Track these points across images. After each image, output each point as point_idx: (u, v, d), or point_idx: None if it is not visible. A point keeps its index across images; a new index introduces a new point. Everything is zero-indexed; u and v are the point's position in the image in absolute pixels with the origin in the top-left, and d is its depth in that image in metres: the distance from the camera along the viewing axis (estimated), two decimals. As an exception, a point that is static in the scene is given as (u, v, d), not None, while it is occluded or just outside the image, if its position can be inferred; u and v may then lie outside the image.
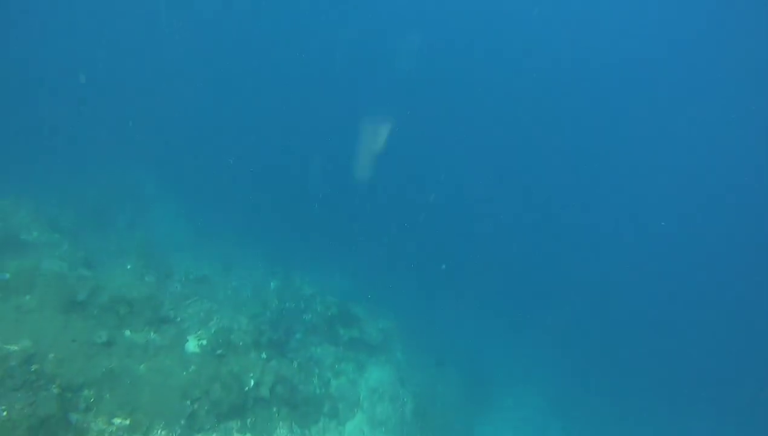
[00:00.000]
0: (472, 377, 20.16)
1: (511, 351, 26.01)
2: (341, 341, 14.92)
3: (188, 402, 10.79)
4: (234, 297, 14.57)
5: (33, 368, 8.91)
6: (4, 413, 7.89)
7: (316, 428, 12.06)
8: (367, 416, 13.24)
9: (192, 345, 12.22)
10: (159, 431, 9.87)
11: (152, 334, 11.80)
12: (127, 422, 9.45)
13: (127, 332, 11.41)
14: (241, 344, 12.76)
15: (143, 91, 32.94)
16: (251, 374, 12.00)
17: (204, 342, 12.37)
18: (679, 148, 46.88)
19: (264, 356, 12.83)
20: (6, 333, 9.43)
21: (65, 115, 25.08)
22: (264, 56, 46.14)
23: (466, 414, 17.92)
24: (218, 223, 21.40)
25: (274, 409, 11.79)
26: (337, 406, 12.87)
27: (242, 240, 20.60)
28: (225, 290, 14.86)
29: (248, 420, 11.34)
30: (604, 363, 27.28)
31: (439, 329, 22.47)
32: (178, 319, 12.59)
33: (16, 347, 9.18)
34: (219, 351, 12.28)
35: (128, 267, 14.00)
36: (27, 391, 8.45)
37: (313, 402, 12.50)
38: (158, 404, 10.33)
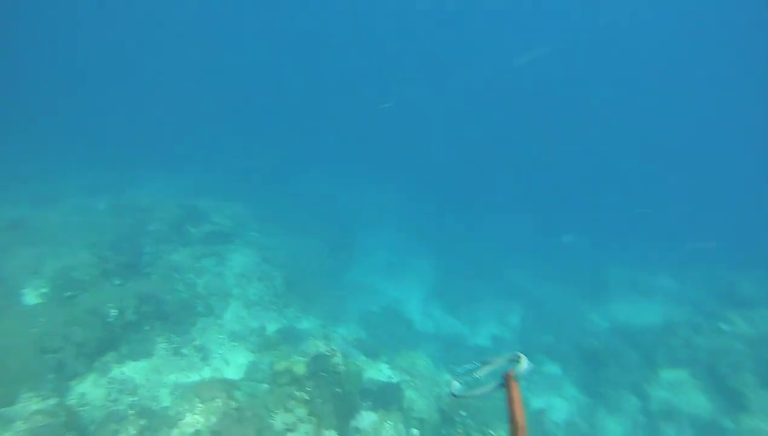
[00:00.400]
0: (335, 234, 21.78)
1: (368, 199, 29.38)
2: (194, 239, 14.59)
3: (49, 355, 10.62)
4: (62, 232, 13.19)
5: None
6: None
7: (196, 329, 12.51)
8: (242, 301, 13.93)
9: (31, 297, 11.44)
10: (28, 396, 9.81)
11: (-25, 303, 10.81)
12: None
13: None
14: (88, 278, 12.13)
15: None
16: (110, 304, 11.71)
17: (45, 290, 11.62)
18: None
19: (117, 281, 12.43)
20: None
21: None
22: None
23: (334, 269, 19.47)
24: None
25: (147, 328, 11.91)
26: (210, 302, 13.27)
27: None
28: (48, 227, 13.30)
29: (123, 349, 11.46)
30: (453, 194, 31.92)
31: (293, 199, 23.79)
32: (2, 276, 11.45)
33: None
34: (67, 293, 11.69)
35: None
36: None
37: (184, 307, 12.75)
38: (15, 369, 10.10)
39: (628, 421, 13.49)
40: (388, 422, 9.06)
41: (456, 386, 2.85)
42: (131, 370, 10.28)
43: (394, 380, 11.75)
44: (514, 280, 22.78)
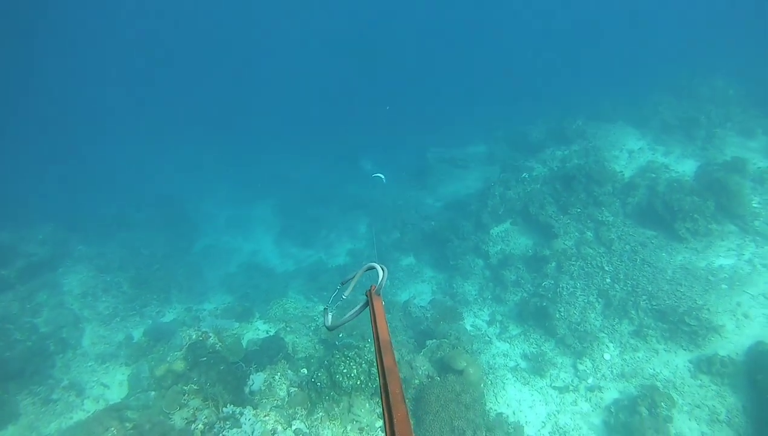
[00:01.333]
0: (170, 212, 21.13)
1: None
2: (10, 281, 13.47)
3: None
4: None
5: None
6: None
7: (58, 369, 12.09)
8: (96, 320, 13.61)
9: None
10: None
11: None
12: None
13: None
14: None
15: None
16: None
17: None
18: None
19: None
20: None
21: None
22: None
23: (180, 246, 19.12)
24: None
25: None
26: (61, 337, 12.79)
27: None
28: None
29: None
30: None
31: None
32: None
33: None
34: None
35: None
36: None
37: (34, 354, 12.17)
38: None
39: (479, 279, 16.15)
40: (277, 374, 10.13)
41: (329, 318, 2.88)
42: (2, 441, 9.95)
43: (272, 332, 12.77)
44: (350, 192, 24.32)
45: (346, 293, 2.99)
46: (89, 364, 12.09)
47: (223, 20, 52.98)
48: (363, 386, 9.49)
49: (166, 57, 52.32)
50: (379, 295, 2.51)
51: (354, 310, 2.63)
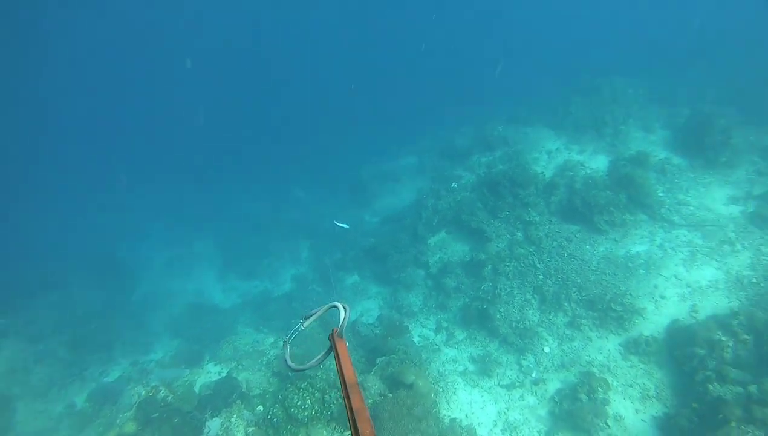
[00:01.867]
0: (101, 263, 20.57)
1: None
2: None
3: None
4: None
5: None
6: None
7: None
8: (29, 396, 13.20)
9: None
10: None
11: None
12: None
13: None
14: None
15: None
16: None
17: None
18: None
19: None
20: None
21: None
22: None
23: (117, 298, 18.68)
24: None
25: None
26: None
27: None
28: None
29: None
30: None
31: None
32: None
33: None
34: None
35: None
36: None
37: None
38: None
39: (422, 289, 16.78)
40: (233, 416, 10.30)
41: (287, 353, 2.93)
42: None
43: (224, 373, 12.83)
44: (288, 218, 24.54)
45: (307, 325, 3.02)
46: (27, 444, 11.74)
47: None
48: (318, 414, 9.84)
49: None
50: (341, 337, 2.57)
51: (318, 356, 2.70)
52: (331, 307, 2.78)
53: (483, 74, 43.23)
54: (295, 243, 21.97)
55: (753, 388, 9.64)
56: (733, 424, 9.26)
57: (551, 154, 18.60)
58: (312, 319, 3.01)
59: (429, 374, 12.82)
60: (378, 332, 14.45)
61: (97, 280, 19.46)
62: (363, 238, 20.18)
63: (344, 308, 2.67)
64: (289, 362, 2.84)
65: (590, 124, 19.15)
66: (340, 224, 16.08)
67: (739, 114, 17.61)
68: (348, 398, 2.02)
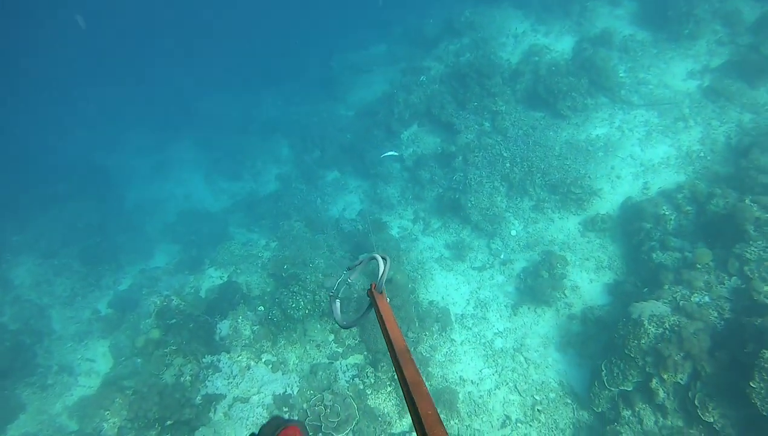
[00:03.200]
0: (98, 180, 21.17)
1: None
2: None
3: None
4: None
5: None
6: None
7: (42, 358, 13.38)
8: (58, 305, 14.90)
9: None
10: None
11: None
12: None
13: None
14: None
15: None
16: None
17: None
18: None
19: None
20: None
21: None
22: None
23: (110, 210, 19.67)
24: None
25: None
26: (32, 327, 14.01)
27: None
28: None
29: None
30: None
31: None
32: None
33: None
34: None
35: None
36: None
37: (13, 351, 13.31)
38: None
39: (399, 182, 18.09)
40: (239, 317, 12.09)
41: (337, 307, 2.89)
42: (19, 430, 11.67)
43: (225, 277, 14.52)
44: (264, 117, 25.03)
45: (353, 277, 2.96)
46: (68, 345, 13.62)
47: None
48: (311, 313, 11.67)
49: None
50: (381, 292, 2.40)
51: (363, 313, 2.60)
52: (371, 259, 2.63)
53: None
54: (275, 142, 22.75)
55: (689, 254, 11.41)
56: (666, 286, 11.08)
57: (518, 39, 18.90)
58: (357, 270, 2.94)
59: (408, 261, 14.63)
60: (360, 227, 16.01)
61: (90, 193, 20.40)
62: (340, 134, 20.99)
63: (384, 259, 2.50)
64: (338, 318, 2.86)
65: (557, 2, 19.20)
66: (389, 153, 16.62)
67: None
68: (400, 368, 1.71)
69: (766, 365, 8.10)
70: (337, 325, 3.56)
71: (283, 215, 17.78)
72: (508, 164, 15.71)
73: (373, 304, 2.40)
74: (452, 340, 12.77)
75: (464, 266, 14.79)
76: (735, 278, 10.54)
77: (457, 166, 16.35)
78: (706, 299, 10.39)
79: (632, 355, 10.04)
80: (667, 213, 12.60)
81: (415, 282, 14.06)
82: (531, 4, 20.03)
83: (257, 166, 22.03)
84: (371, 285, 2.49)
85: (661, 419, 9.61)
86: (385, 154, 16.82)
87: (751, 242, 10.69)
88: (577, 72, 16.15)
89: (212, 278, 14.76)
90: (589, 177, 14.50)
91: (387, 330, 1.99)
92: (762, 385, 8.04)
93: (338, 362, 11.57)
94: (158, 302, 12.49)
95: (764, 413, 7.92)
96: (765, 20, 15.82)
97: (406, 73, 20.43)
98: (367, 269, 3.28)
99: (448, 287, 14.26)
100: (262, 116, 25.03)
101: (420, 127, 18.50)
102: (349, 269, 2.98)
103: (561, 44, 18.05)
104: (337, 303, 2.93)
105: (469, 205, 15.43)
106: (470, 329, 13.05)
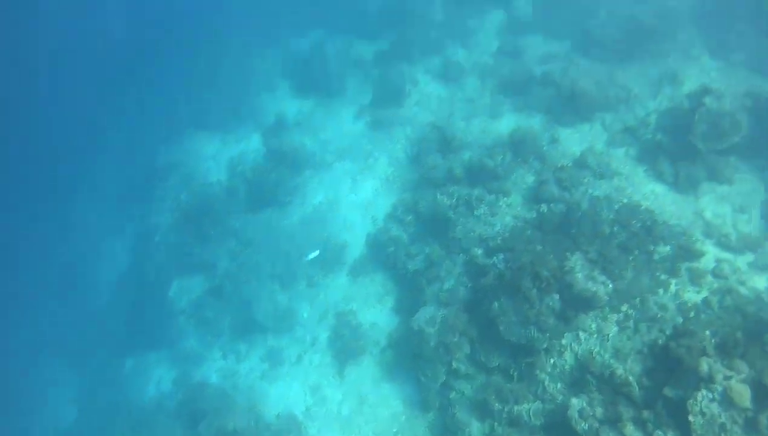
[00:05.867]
0: None
1: None
2: None
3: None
4: None
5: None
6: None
7: None
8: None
9: None
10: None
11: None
12: None
13: None
14: None
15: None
16: None
17: None
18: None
19: None
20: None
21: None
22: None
23: None
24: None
25: None
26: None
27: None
28: None
29: None
30: None
31: None
32: None
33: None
34: None
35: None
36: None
37: None
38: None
39: (192, 331, 18.90)
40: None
41: None
42: None
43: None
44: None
45: None
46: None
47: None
48: None
49: None
50: None
51: None
52: None
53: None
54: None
55: (429, 252, 14.69)
56: (426, 288, 14.15)
57: (217, 159, 21.36)
58: None
59: (240, 393, 15.93)
60: (180, 397, 16.79)
61: None
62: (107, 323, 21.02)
63: None
64: None
65: (229, 110, 22.12)
66: (312, 255, 16.65)
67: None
68: None
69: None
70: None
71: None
72: (269, 266, 17.83)
73: None
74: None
75: (285, 367, 16.29)
76: (461, 255, 13.99)
77: (230, 292, 17.97)
78: (452, 282, 13.71)
79: (429, 356, 12.81)
80: (397, 233, 15.92)
81: (255, 407, 15.34)
82: (209, 121, 22.54)
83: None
84: None
85: (472, 383, 12.41)
86: (309, 257, 17.41)
87: (457, 225, 14.26)
88: (277, 161, 18.99)
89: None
90: (332, 236, 17.36)
91: None
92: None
93: None
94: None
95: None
96: (381, 55, 20.74)
97: (140, 239, 21.40)
98: None
99: (283, 393, 15.60)
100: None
101: (180, 278, 19.68)
102: None
103: (253, 143, 20.91)
104: None
105: (259, 316, 17.05)
106: (318, 417, 14.75)
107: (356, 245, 17.19)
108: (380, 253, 16.16)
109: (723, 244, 11.32)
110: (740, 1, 16.29)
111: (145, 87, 26.25)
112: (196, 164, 21.56)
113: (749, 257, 10.97)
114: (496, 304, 11.37)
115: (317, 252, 16.72)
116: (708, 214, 12.00)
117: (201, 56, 24.98)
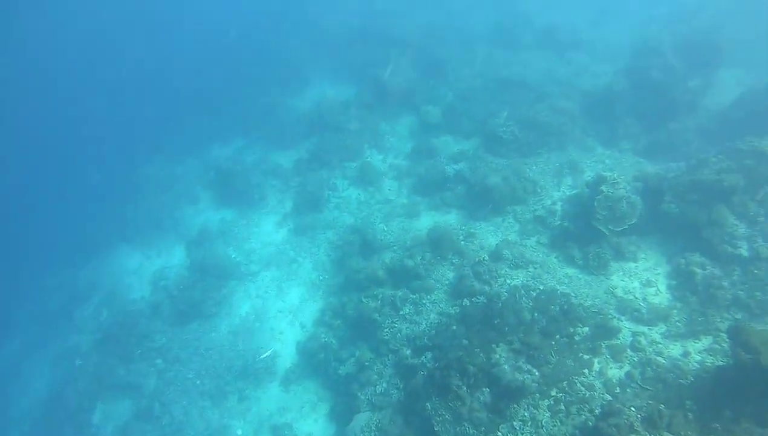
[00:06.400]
0: None
1: None
2: None
3: None
4: None
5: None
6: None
7: None
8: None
9: None
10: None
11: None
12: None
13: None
14: None
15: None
16: None
17: None
18: None
19: None
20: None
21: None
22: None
23: None
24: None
25: None
26: None
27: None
28: None
29: None
30: None
31: None
32: None
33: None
34: None
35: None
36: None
37: None
38: None
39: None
40: None
41: None
42: None
43: None
44: None
45: None
46: None
47: None
48: None
49: None
50: None
51: None
52: None
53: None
54: None
55: (359, 356, 15.09)
56: (359, 393, 14.43)
57: (139, 273, 21.38)
58: None
59: None
60: None
61: None
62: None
63: None
64: None
65: (151, 223, 22.38)
66: (266, 354, 16.31)
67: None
68: None
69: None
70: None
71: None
72: (198, 382, 17.63)
73: None
74: None
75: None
76: (391, 356, 14.52)
77: (160, 413, 17.56)
78: (385, 385, 14.12)
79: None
80: (326, 339, 16.40)
81: None
82: (131, 235, 22.60)
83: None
84: None
85: None
86: (261, 356, 16.73)
87: (384, 327, 14.89)
88: (201, 273, 19.31)
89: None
90: (260, 348, 17.59)
91: None
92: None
93: None
94: None
95: None
96: (300, 164, 21.92)
97: (58, 366, 20.63)
98: None
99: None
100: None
101: (104, 403, 18.98)
102: None
103: (175, 257, 21.12)
104: None
105: (191, 436, 16.89)
106: None
107: (287, 353, 17.42)
108: (311, 360, 16.44)
109: (636, 318, 12.26)
110: (620, 99, 18.84)
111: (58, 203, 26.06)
112: (118, 282, 21.37)
113: (662, 327, 11.99)
114: (428, 404, 11.69)
115: (270, 351, 16.96)
116: (619, 292, 13.12)
117: (119, 168, 25.32)
